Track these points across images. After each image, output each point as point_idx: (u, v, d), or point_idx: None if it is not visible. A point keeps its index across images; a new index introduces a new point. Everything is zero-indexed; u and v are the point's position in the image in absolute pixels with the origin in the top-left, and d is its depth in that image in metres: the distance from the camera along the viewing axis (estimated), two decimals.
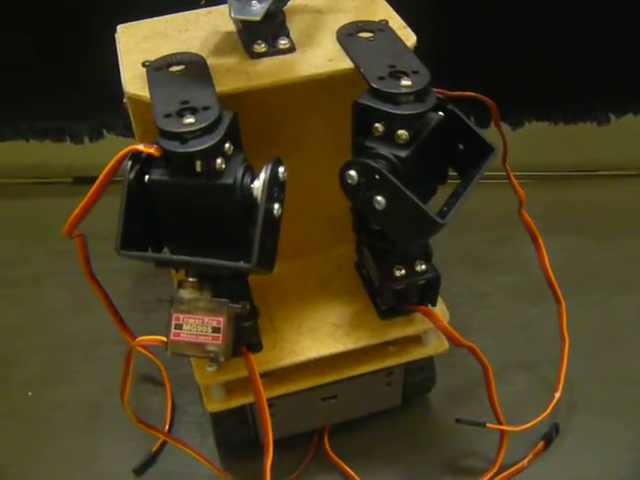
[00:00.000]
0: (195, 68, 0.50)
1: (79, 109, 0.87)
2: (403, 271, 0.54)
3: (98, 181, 0.47)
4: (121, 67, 0.52)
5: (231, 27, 0.55)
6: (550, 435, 0.65)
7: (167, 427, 0.67)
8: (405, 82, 0.46)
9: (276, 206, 0.46)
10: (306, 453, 0.65)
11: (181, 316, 0.46)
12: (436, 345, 0.61)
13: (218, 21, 0.56)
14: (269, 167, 0.45)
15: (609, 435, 0.65)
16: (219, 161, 0.44)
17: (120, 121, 0.88)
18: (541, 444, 0.64)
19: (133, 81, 0.50)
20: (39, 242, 0.88)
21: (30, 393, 0.72)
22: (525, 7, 0.81)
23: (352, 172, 0.47)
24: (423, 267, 0.55)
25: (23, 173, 0.97)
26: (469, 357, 0.59)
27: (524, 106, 0.87)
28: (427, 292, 0.57)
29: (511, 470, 0.62)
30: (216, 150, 0.44)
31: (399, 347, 0.60)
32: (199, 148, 0.43)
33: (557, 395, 0.64)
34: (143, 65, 0.51)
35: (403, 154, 0.47)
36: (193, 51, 0.52)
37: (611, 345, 0.73)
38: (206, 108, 0.45)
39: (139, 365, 0.71)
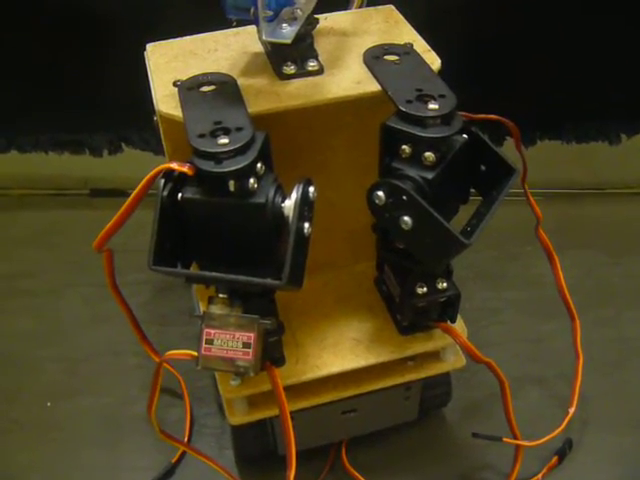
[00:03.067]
0: (226, 88, 0.51)
1: (99, 122, 0.89)
2: (425, 288, 0.55)
3: (131, 198, 0.48)
4: (152, 85, 0.54)
5: (259, 48, 0.56)
6: (564, 450, 0.66)
7: (186, 439, 0.68)
8: (432, 106, 0.48)
9: (306, 225, 0.47)
10: (323, 465, 0.66)
11: (212, 331, 0.47)
12: (454, 361, 0.62)
13: (246, 41, 0.57)
14: (300, 187, 0.46)
15: (622, 450, 0.67)
16: (252, 181, 0.45)
17: (138, 135, 0.89)
18: (555, 459, 0.65)
19: (165, 100, 0.51)
20: (56, 253, 0.89)
21: (49, 403, 0.72)
22: (537, 28, 0.83)
23: (380, 192, 0.48)
24: (444, 285, 0.56)
25: (41, 184, 0.98)
26: (483, 372, 0.60)
27: (537, 125, 0.89)
28: (447, 309, 0.58)
29: None
30: (249, 170, 0.45)
31: (418, 362, 0.61)
32: (233, 168, 0.44)
33: (571, 410, 0.65)
34: (174, 84, 0.52)
35: (430, 176, 0.48)
36: (223, 71, 0.53)
37: (623, 361, 0.74)
38: (239, 129, 0.46)
39: None
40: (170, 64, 0.55)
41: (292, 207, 0.46)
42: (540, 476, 0.64)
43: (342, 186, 0.58)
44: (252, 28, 0.57)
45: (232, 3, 0.49)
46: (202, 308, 0.63)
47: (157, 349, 0.65)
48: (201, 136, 0.46)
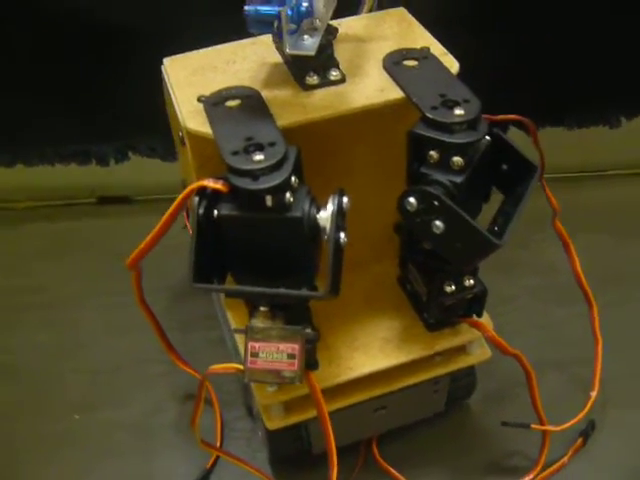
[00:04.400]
0: (252, 102, 0.51)
1: (105, 132, 0.88)
2: (453, 287, 0.57)
3: (166, 216, 0.48)
4: (174, 102, 0.54)
5: (277, 58, 0.56)
6: (587, 432, 0.68)
7: (218, 444, 0.69)
8: (458, 111, 0.49)
9: (342, 235, 0.47)
10: (354, 462, 0.67)
11: (257, 345, 0.48)
12: (479, 354, 0.63)
13: (263, 52, 0.57)
14: (335, 199, 0.47)
15: None
16: (288, 195, 0.46)
17: (145, 143, 0.90)
18: (580, 441, 0.67)
19: (191, 116, 0.51)
20: (67, 264, 0.89)
21: (77, 416, 0.73)
22: (536, 15, 0.84)
23: (411, 199, 0.49)
24: (471, 282, 0.57)
25: (46, 196, 0.97)
26: (502, 361, 0.62)
27: (538, 112, 0.90)
28: (473, 304, 0.59)
29: (554, 467, 0.65)
30: (285, 185, 0.46)
31: (445, 357, 0.62)
32: (272, 185, 0.45)
33: (593, 394, 0.67)
34: (199, 100, 0.52)
35: (459, 180, 0.49)
36: (245, 84, 0.54)
37: (638, 340, 0.77)
38: (272, 144, 0.47)
39: (184, 384, 0.73)
40: (190, 78, 0.55)
41: (329, 219, 0.46)
42: (567, 459, 0.66)
43: (365, 190, 0.59)
44: (267, 38, 0.57)
45: (254, 17, 0.49)
46: (230, 316, 0.63)
47: (182, 357, 0.66)
48: (235, 153, 0.46)
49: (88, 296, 0.85)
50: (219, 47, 0.58)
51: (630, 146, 0.94)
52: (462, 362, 0.63)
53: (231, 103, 0.51)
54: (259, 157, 0.46)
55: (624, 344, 0.75)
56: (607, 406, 0.70)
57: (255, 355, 0.48)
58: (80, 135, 0.89)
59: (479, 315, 0.60)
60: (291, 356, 0.48)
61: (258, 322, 0.49)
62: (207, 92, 0.53)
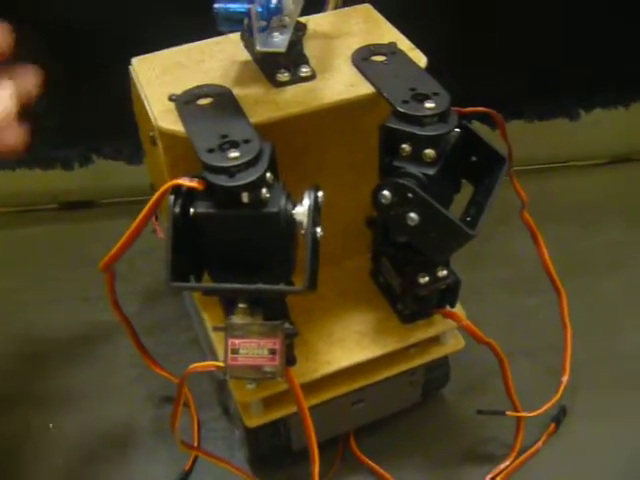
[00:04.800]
0: (224, 100, 0.51)
1: (68, 135, 0.87)
2: (427, 278, 0.57)
3: (140, 217, 0.48)
4: (145, 101, 0.53)
5: (246, 55, 0.56)
6: (559, 417, 0.69)
7: (195, 445, 0.69)
8: (429, 104, 0.49)
9: (318, 229, 0.48)
10: (333, 456, 0.67)
11: (237, 341, 0.48)
12: (453, 344, 0.64)
13: (232, 50, 0.57)
14: (311, 194, 0.47)
15: (614, 410, 0.71)
16: (264, 191, 0.46)
17: (109, 146, 0.88)
18: (552, 426, 0.69)
19: (163, 115, 0.51)
20: (33, 272, 0.87)
21: (51, 425, 0.72)
22: (497, 10, 0.85)
23: (386, 192, 0.50)
24: (444, 272, 0.58)
25: (6, 202, 0.95)
26: (474, 352, 0.63)
27: (499, 105, 0.92)
28: (446, 295, 0.60)
29: (529, 452, 0.67)
30: (261, 181, 0.46)
31: (420, 348, 0.63)
32: (248, 181, 0.45)
33: (564, 379, 0.68)
34: (170, 99, 0.52)
35: (431, 172, 0.50)
36: (215, 82, 0.53)
37: (605, 326, 0.79)
38: (247, 141, 0.47)
39: (158, 388, 0.73)
40: (160, 78, 0.55)
41: (305, 214, 0.47)
42: (541, 444, 0.68)
43: (336, 185, 0.58)
44: (235, 36, 0.57)
45: (224, 15, 0.49)
46: (205, 316, 0.63)
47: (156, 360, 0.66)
48: (210, 151, 0.46)
49: (56, 302, 0.83)
50: (186, 46, 0.58)
51: (590, 138, 0.97)
52: (436, 352, 0.64)
53: (203, 101, 0.51)
54: (234, 154, 0.46)
55: (592, 330, 0.77)
56: (577, 391, 0.72)
57: (236, 352, 0.48)
58: (44, 139, 0.88)
59: (452, 305, 0.61)
60: (272, 351, 0.48)
61: (237, 319, 0.48)
62: (178, 91, 0.52)
